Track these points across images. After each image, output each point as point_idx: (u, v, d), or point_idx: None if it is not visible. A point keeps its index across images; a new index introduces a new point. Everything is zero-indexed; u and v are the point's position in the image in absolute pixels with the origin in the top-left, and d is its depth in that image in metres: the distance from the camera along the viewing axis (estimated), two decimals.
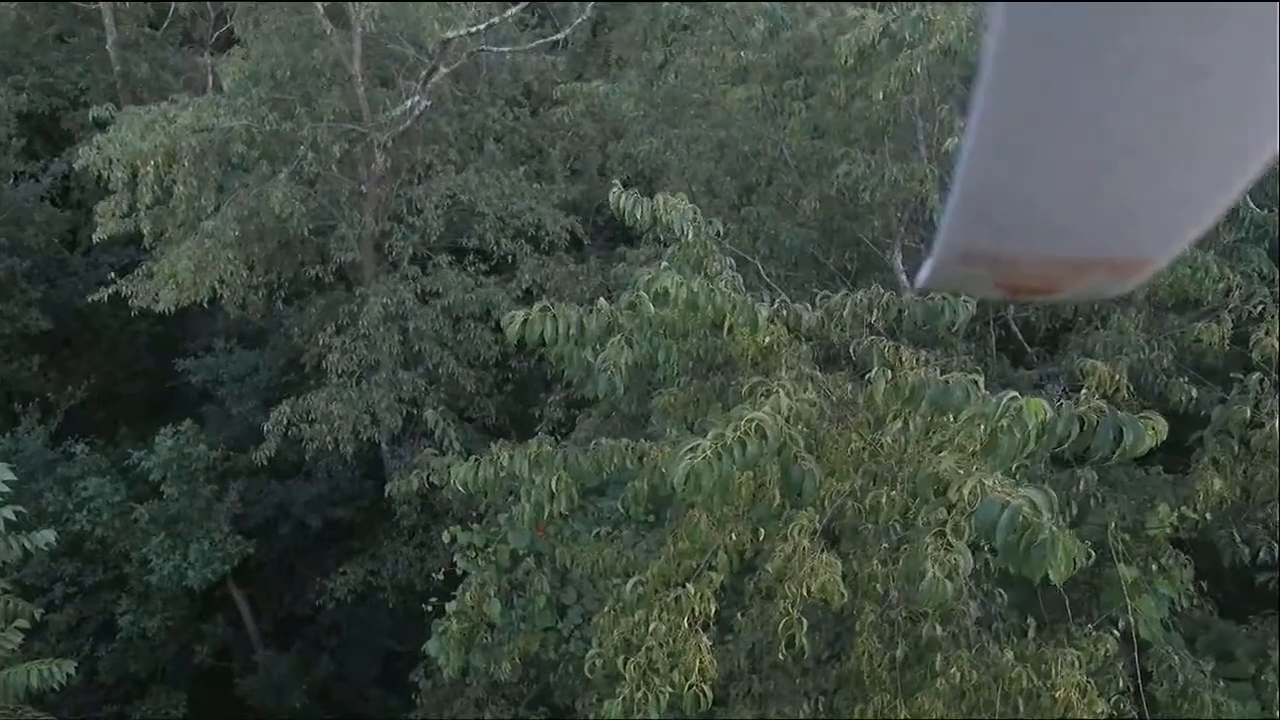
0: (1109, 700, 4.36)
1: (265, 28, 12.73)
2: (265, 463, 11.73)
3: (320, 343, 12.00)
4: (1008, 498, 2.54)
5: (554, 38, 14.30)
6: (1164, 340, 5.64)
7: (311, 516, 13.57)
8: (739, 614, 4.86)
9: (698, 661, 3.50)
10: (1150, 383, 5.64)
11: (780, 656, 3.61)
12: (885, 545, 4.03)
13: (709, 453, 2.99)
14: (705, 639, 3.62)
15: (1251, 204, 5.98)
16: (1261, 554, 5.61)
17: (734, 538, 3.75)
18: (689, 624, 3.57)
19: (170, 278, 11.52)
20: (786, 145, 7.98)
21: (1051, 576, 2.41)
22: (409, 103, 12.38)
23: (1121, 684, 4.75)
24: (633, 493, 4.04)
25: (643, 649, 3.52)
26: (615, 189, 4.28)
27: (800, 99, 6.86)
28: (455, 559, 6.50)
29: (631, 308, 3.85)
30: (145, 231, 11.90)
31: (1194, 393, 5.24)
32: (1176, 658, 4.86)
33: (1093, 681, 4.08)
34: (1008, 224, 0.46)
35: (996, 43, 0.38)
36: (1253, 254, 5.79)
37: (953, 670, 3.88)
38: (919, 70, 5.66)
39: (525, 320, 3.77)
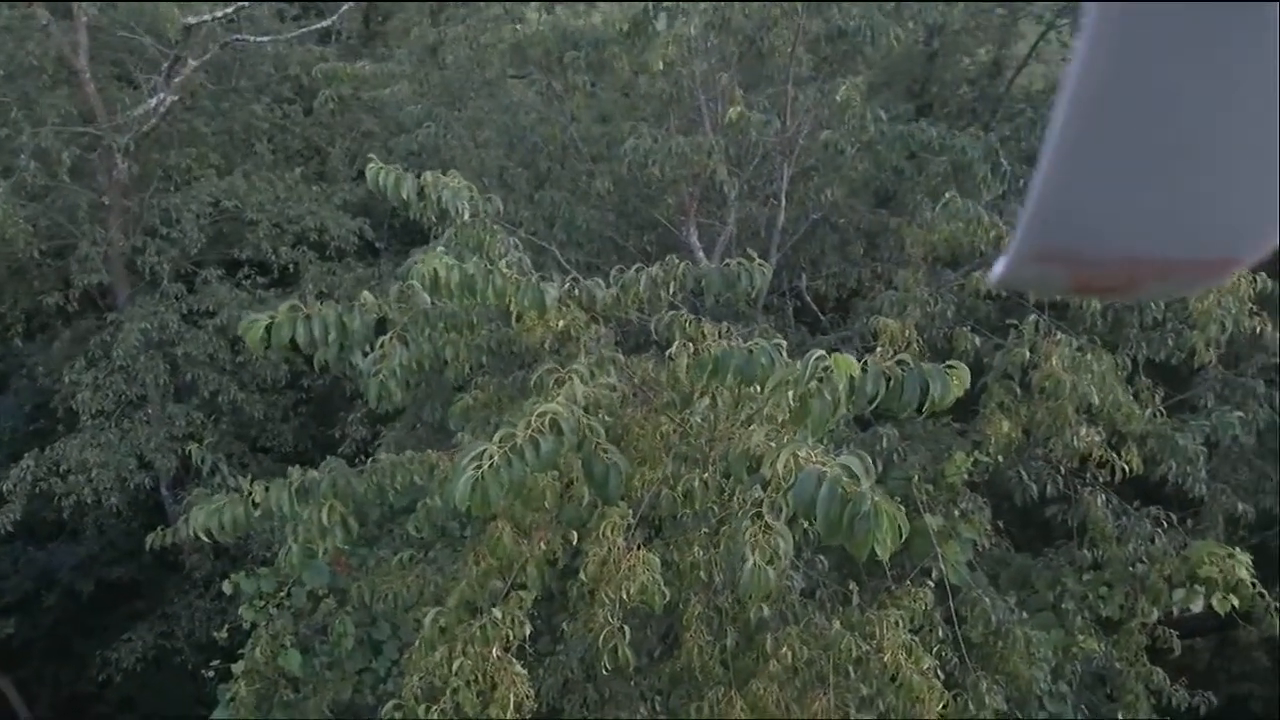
0: (932, 651, 4.43)
1: None
2: (10, 528, 10.05)
3: (69, 380, 10.45)
4: (823, 467, 2.36)
5: (316, 26, 13.30)
6: (945, 294, 5.88)
7: (82, 581, 11.94)
8: (565, 623, 4.52)
9: (512, 695, 3.12)
10: (936, 335, 5.86)
11: (604, 670, 3.31)
12: (705, 530, 3.83)
13: (496, 458, 2.61)
14: (520, 666, 3.25)
15: (1005, 162, 6.39)
16: (1049, 489, 6.00)
17: (543, 547, 3.40)
18: (500, 652, 3.18)
19: None
20: (575, 127, 7.74)
21: (878, 552, 2.25)
22: (153, 101, 11.01)
23: (941, 633, 4.88)
24: (425, 511, 3.58)
25: (448, 692, 3.08)
26: (372, 165, 3.77)
27: (582, 72, 6.62)
28: (240, 611, 5.72)
29: (403, 299, 3.39)
30: None
31: (976, 341, 5.49)
32: (987, 599, 5.06)
33: (917, 639, 4.11)
34: (1090, 222, 0.47)
35: (1087, 40, 0.39)
36: (1015, 207, 6.17)
37: (784, 650, 3.75)
38: (693, 32, 5.54)
39: (270, 324, 3.20)
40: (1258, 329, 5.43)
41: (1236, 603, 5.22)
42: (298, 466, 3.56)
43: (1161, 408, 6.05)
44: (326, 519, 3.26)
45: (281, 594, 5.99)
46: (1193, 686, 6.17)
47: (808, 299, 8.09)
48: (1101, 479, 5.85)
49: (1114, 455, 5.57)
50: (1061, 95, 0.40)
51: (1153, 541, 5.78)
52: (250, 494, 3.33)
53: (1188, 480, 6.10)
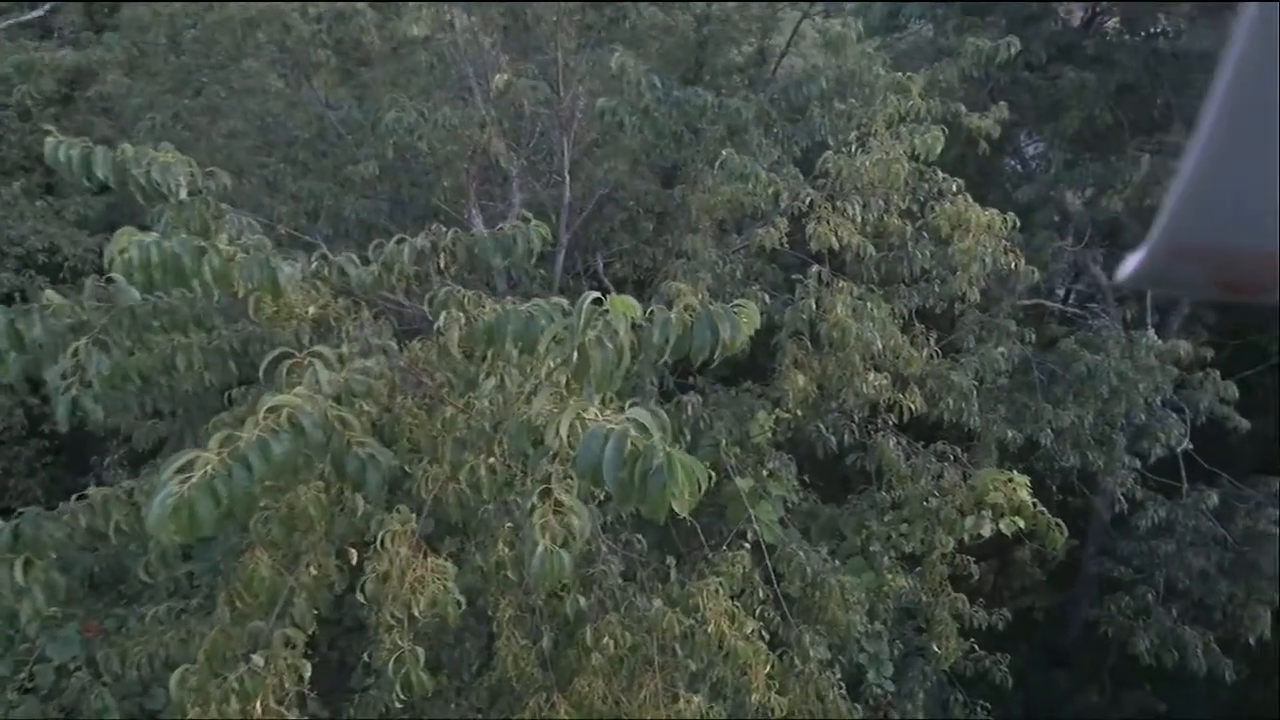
0: (754, 614, 4.37)
1: None
2: None
3: None
4: (610, 425, 2.10)
5: (26, 18, 11.59)
6: (733, 256, 5.89)
7: None
8: (366, 654, 4.02)
9: None
10: (727, 298, 5.84)
11: (395, 703, 2.90)
12: (510, 525, 3.50)
13: (212, 468, 2.12)
14: (294, 716, 2.75)
15: (778, 123, 6.49)
16: (846, 438, 6.18)
17: (313, 572, 2.92)
18: (272, 705, 2.67)
19: None
20: (332, 112, 7.08)
21: (677, 508, 2.03)
22: None
23: (761, 593, 4.84)
24: (158, 551, 2.97)
25: None
26: (51, 139, 3.07)
27: (326, 47, 5.99)
28: None
29: (101, 297, 2.76)
30: None
31: (766, 300, 5.51)
32: (801, 553, 5.09)
33: (738, 605, 4.00)
34: (1241, 219, 0.45)
35: (1244, 40, 0.39)
36: (788, 169, 6.28)
37: (605, 640, 3.51)
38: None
39: None
40: (1013, 265, 5.83)
41: (1021, 523, 5.59)
42: None
43: (937, 349, 6.40)
44: (22, 578, 2.57)
45: (22, 675, 5.03)
46: (986, 607, 6.63)
47: (605, 280, 7.92)
48: (891, 423, 6.10)
49: (900, 397, 5.80)
50: (1213, 90, 0.40)
51: (942, 476, 6.10)
52: None
53: (963, 415, 6.51)
